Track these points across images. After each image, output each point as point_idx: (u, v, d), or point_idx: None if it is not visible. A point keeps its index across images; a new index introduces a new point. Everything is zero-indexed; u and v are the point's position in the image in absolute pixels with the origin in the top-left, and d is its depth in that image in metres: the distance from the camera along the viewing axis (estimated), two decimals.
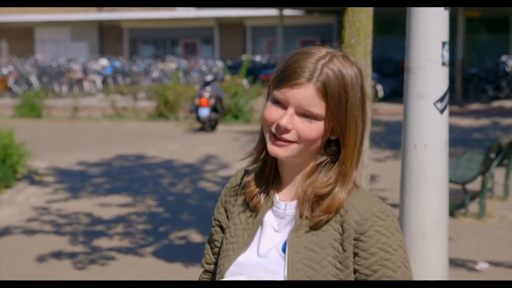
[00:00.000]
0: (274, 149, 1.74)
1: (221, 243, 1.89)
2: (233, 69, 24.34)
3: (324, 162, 1.77)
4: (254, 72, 24.23)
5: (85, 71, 27.76)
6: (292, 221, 1.77)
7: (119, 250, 6.80)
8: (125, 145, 13.67)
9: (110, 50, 36.53)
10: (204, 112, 15.70)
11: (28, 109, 18.74)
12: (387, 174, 9.34)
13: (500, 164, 8.57)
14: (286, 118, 1.70)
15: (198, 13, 33.66)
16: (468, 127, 16.48)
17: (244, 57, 24.19)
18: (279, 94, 1.72)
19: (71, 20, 36.73)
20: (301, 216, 1.75)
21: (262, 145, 1.82)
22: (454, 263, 6.09)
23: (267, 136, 1.76)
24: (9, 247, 6.93)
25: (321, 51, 1.73)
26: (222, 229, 1.92)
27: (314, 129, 1.71)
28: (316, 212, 1.73)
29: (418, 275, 3.17)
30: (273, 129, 1.73)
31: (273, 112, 1.73)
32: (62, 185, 9.92)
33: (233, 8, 30.50)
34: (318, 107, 1.70)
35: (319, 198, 1.74)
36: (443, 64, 3.09)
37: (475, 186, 8.57)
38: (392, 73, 24.65)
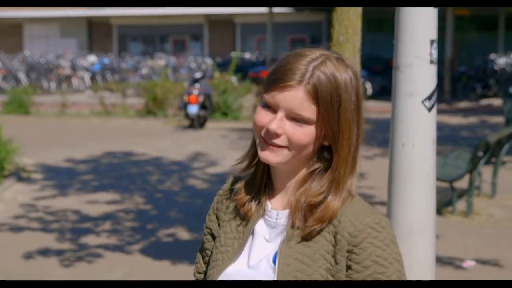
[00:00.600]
0: (264, 155, 1.68)
1: (211, 252, 1.83)
2: (222, 66, 24.32)
3: (318, 170, 1.70)
4: (243, 70, 24.26)
5: (74, 67, 27.66)
6: (284, 231, 1.71)
7: (106, 247, 6.78)
8: (114, 142, 13.63)
9: (99, 47, 36.42)
10: (193, 109, 15.68)
11: (16, 105, 18.67)
12: (376, 172, 9.34)
13: (487, 162, 8.60)
14: (276, 123, 1.64)
15: (188, 10, 33.59)
16: (457, 125, 16.54)
17: (234, 54, 24.19)
18: (268, 97, 1.66)
19: (60, 16, 36.57)
20: (293, 226, 1.68)
21: (254, 150, 1.75)
22: (441, 261, 6.10)
23: (257, 141, 1.70)
24: None
25: (314, 53, 1.66)
26: (214, 237, 1.85)
27: (305, 134, 1.64)
28: (308, 221, 1.66)
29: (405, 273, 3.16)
30: (263, 134, 1.67)
31: (263, 117, 1.66)
32: (50, 182, 9.88)
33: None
34: (309, 110, 1.63)
35: (312, 207, 1.67)
36: (432, 62, 3.08)
37: (462, 184, 8.59)
38: (381, 70, 24.71)
